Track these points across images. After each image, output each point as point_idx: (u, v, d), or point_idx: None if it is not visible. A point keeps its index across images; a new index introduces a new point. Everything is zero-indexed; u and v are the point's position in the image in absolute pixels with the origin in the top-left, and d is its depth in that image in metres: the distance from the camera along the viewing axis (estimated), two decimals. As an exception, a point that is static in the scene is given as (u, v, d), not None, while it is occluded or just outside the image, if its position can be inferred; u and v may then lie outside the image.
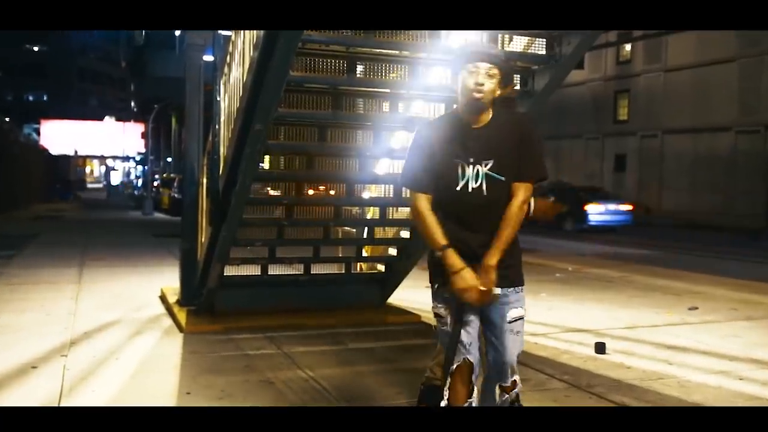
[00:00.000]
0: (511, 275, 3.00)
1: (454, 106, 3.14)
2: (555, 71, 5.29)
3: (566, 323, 6.84)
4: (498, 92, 2.95)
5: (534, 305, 7.76)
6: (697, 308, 7.73)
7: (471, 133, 2.95)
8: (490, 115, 2.98)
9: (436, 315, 3.09)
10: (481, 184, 2.92)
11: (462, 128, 2.97)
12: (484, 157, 2.92)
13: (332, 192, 7.53)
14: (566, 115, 35.63)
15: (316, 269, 7.03)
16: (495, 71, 2.91)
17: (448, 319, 3.04)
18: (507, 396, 3.08)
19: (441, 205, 2.98)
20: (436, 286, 3.08)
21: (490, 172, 2.92)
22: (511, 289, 3.00)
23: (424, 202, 2.98)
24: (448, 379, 3.03)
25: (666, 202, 31.16)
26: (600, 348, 5.67)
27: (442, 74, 5.71)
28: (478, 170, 2.92)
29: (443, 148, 2.95)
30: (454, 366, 3.01)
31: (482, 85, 2.89)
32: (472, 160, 2.93)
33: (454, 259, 2.90)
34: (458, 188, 2.93)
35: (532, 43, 5.35)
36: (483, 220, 2.94)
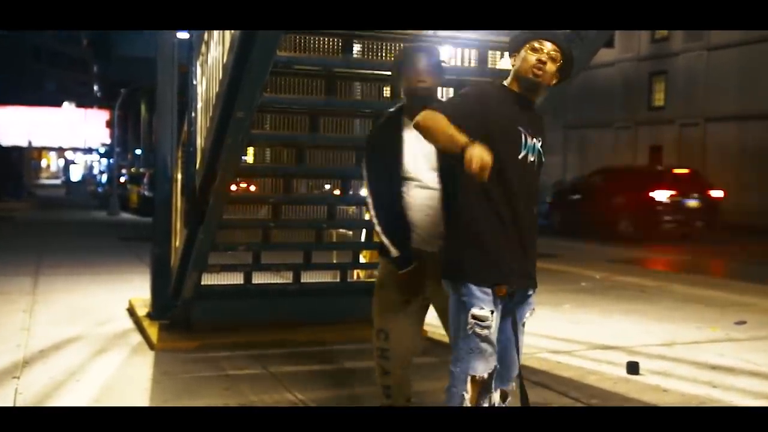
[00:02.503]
0: (534, 275, 3.25)
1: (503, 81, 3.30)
2: (581, 50, 5.29)
3: (593, 339, 6.85)
4: (554, 80, 3.18)
5: (556, 318, 7.78)
6: (745, 322, 7.74)
7: (526, 106, 3.18)
8: (538, 98, 3.27)
9: (477, 318, 3.07)
10: (535, 159, 3.16)
11: (518, 99, 3.16)
12: (536, 134, 3.19)
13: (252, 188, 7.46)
14: (593, 101, 35.62)
15: (307, 277, 7.05)
16: (558, 55, 3.13)
17: (493, 323, 3.09)
18: (507, 400, 3.34)
19: (499, 173, 3.03)
20: (470, 279, 3.08)
21: (541, 150, 3.20)
22: (533, 289, 3.28)
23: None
24: (469, 388, 3.11)
25: (708, 201, 31.17)
26: (632, 368, 5.68)
27: (450, 55, 5.72)
28: (534, 144, 3.17)
29: (502, 112, 3.11)
30: (486, 375, 3.13)
31: (544, 63, 3.10)
32: (530, 131, 3.14)
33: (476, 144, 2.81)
34: (519, 157, 3.11)
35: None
36: (531, 197, 3.17)
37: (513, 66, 3.21)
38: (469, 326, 3.07)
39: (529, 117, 3.17)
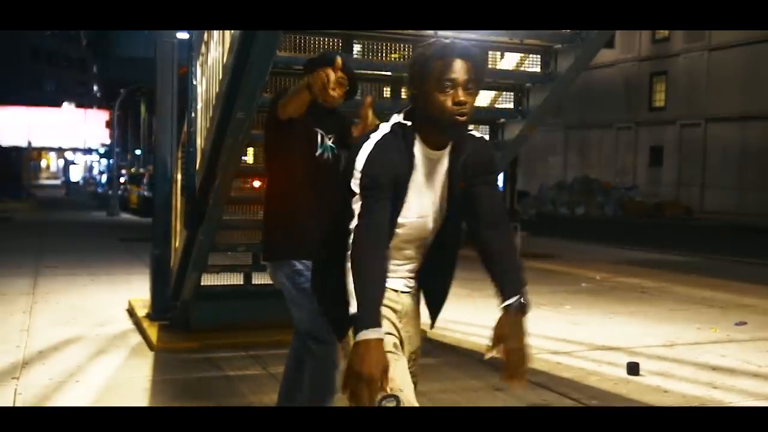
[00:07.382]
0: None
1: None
2: (581, 50, 5.30)
3: (594, 340, 6.86)
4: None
5: (557, 320, 7.79)
6: (746, 323, 7.75)
7: (325, 112, 3.71)
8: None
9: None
10: (329, 155, 3.72)
11: (317, 106, 3.58)
12: (330, 132, 3.77)
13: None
14: (594, 102, 35.67)
15: (307, 278, 7.04)
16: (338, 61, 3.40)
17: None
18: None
19: (302, 173, 3.65)
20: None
21: (332, 145, 3.75)
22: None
23: None
24: None
25: (709, 202, 31.21)
26: (633, 369, 5.69)
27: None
28: (327, 144, 3.73)
29: (307, 121, 3.64)
30: None
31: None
32: (323, 132, 3.72)
33: None
34: (316, 153, 3.69)
35: (554, 18, 5.37)
36: (327, 196, 3.32)
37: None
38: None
39: (329, 121, 3.74)
